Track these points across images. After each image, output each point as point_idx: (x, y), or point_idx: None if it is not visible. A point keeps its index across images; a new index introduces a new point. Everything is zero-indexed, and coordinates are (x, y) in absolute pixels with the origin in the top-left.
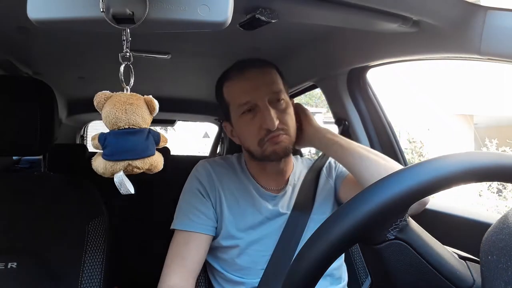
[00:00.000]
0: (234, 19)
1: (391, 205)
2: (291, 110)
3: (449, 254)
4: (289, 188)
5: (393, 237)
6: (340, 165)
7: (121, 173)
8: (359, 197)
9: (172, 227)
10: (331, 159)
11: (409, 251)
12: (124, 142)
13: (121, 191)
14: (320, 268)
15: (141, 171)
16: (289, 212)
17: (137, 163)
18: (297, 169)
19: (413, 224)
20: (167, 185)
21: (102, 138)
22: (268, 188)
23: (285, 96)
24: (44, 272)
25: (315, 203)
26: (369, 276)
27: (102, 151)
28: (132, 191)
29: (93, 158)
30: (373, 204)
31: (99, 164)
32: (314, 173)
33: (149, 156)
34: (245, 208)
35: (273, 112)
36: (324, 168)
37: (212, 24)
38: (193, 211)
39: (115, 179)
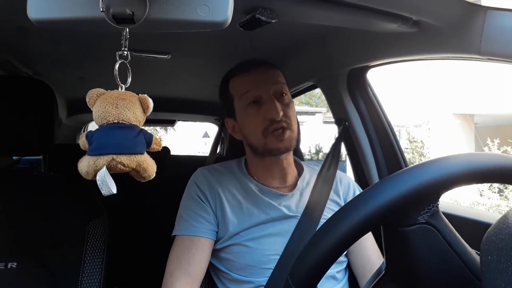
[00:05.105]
0: (234, 19)
1: (430, 188)
2: (293, 107)
3: (470, 248)
4: (297, 192)
5: (424, 221)
6: (347, 189)
7: (104, 169)
8: (400, 175)
9: (173, 233)
10: (337, 176)
11: (437, 237)
12: (110, 136)
13: (102, 192)
14: (347, 241)
15: (127, 169)
16: (298, 215)
17: (122, 158)
18: (306, 174)
19: (441, 213)
20: (167, 185)
21: (89, 136)
22: (271, 186)
23: (288, 93)
24: (44, 272)
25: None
26: (383, 263)
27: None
28: (114, 191)
29: (79, 160)
30: (415, 182)
31: (83, 164)
32: (326, 181)
33: (136, 153)
34: (248, 207)
35: (277, 104)
36: (335, 182)
37: (212, 24)
38: (194, 216)
39: (97, 177)
